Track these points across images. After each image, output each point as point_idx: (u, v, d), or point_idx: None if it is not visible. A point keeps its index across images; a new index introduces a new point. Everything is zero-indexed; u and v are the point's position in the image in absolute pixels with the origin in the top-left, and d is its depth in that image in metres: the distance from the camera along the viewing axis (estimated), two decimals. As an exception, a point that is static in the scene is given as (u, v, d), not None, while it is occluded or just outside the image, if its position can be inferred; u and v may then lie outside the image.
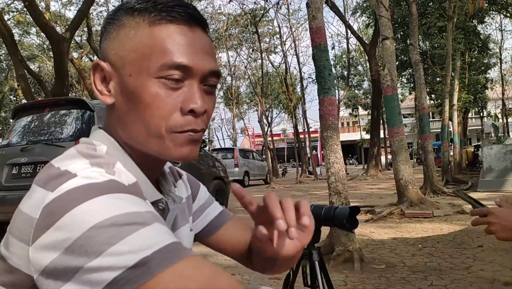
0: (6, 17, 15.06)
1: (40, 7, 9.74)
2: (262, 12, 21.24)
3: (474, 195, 8.72)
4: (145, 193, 0.67)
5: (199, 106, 0.66)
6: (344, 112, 39.23)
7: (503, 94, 28.22)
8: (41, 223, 0.54)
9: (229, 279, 0.57)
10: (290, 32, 24.77)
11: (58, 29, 13.85)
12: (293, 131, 27.42)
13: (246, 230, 0.96)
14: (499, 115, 29.91)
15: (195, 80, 0.67)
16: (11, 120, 5.93)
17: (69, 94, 9.18)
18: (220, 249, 0.95)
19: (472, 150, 19.69)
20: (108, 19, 0.71)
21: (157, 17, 0.66)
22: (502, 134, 14.85)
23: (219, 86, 32.84)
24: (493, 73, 30.47)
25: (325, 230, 4.10)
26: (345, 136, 49.29)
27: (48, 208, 0.55)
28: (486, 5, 17.26)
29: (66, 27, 10.97)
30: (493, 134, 13.66)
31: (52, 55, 9.60)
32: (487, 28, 23.60)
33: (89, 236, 0.52)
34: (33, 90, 11.88)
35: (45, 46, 21.73)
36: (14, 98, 27.54)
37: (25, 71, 9.26)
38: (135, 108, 0.66)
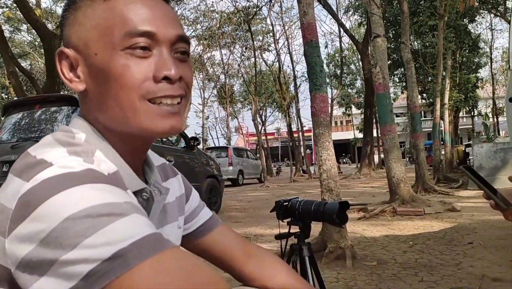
0: (-4, 14, 14.94)
1: (30, 4, 9.66)
2: (255, 10, 21.23)
3: (464, 193, 8.81)
4: (127, 183, 0.65)
5: (174, 72, 0.64)
6: (337, 111, 39.32)
7: (493, 93, 28.46)
8: (16, 214, 0.52)
9: (211, 272, 0.56)
10: (283, 30, 24.82)
11: (49, 26, 13.75)
12: (287, 130, 27.47)
13: (233, 238, 0.95)
14: (490, 115, 30.18)
15: (164, 47, 0.65)
16: (1, 118, 5.87)
17: (61, 92, 9.11)
18: (204, 253, 0.94)
19: (463, 148, 19.83)
20: (64, 7, 0.69)
21: None
22: (493, 133, 15.00)
23: (212, 84, 32.88)
24: (484, 72, 30.72)
25: (318, 228, 4.11)
26: (339, 135, 49.45)
27: (24, 198, 0.53)
28: (477, 4, 17.39)
29: (57, 23, 10.88)
30: (483, 133, 13.78)
31: (43, 52, 9.52)
32: (478, 27, 23.79)
33: (64, 227, 0.50)
34: (24, 87, 11.79)
35: (36, 43, 21.58)
36: (6, 96, 27.31)
37: (16, 68, 9.19)
38: (107, 86, 0.63)
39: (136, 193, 0.68)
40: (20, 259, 0.52)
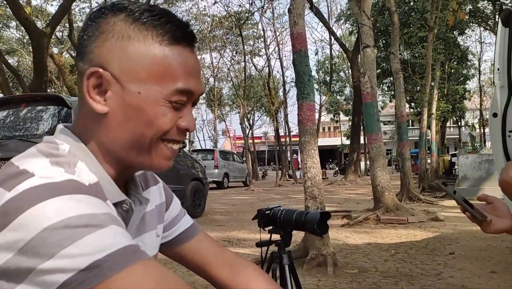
0: (-15, 9, 14.77)
1: (20, 1, 9.57)
2: (247, 15, 21.28)
3: (448, 202, 8.90)
4: (107, 193, 0.66)
5: (193, 127, 0.71)
6: (325, 117, 39.53)
7: (481, 104, 28.86)
8: None
9: (179, 283, 0.58)
10: (274, 36, 24.91)
11: (39, 24, 13.62)
12: (274, 134, 27.52)
13: (211, 246, 0.96)
14: (477, 126, 30.59)
15: (190, 102, 0.70)
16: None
17: (48, 90, 9.03)
18: (183, 260, 0.95)
19: (449, 158, 20.05)
20: (107, 25, 0.67)
21: (166, 36, 0.66)
22: (479, 144, 15.19)
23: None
24: (472, 84, 31.16)
25: (301, 234, 4.13)
26: (326, 141, 49.65)
27: (3, 208, 0.54)
28: (467, 17, 17.67)
29: (47, 22, 10.79)
30: (469, 144, 13.97)
31: (31, 50, 9.43)
32: (467, 39, 24.16)
33: (42, 237, 0.51)
34: (11, 84, 11.65)
35: (25, 40, 21.33)
36: (-9, 92, 26.94)
37: (3, 65, 9.08)
38: (133, 123, 0.66)
39: (116, 204, 0.69)
40: None
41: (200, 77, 0.71)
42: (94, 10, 0.71)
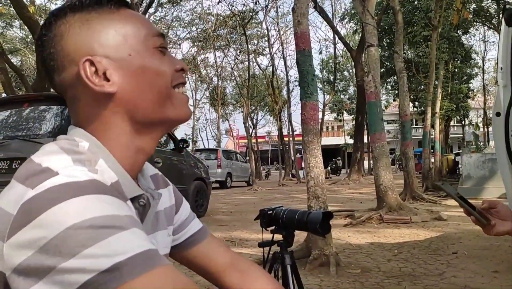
0: (-11, 8, 14.82)
1: (24, 0, 9.59)
2: (251, 14, 21.27)
3: (452, 202, 8.87)
4: (126, 190, 0.67)
5: (185, 64, 0.77)
6: (329, 116, 39.46)
7: (484, 104, 28.77)
8: (18, 219, 0.53)
9: None
10: (278, 35, 24.88)
11: (42, 23, 13.64)
12: (277, 134, 27.51)
13: (219, 250, 0.96)
14: (480, 125, 30.46)
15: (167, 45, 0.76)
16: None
17: (51, 90, 9.05)
18: (190, 264, 0.95)
19: (453, 157, 20.01)
20: (54, 30, 0.70)
21: (116, 5, 0.72)
22: (482, 143, 15.12)
23: (205, 86, 32.82)
24: (476, 83, 31.03)
25: (303, 234, 4.13)
26: (330, 140, 49.59)
27: (27, 205, 0.54)
28: (471, 16, 17.60)
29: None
30: (473, 143, 13.91)
31: (35, 49, 9.45)
32: (471, 38, 24.08)
33: (65, 236, 0.51)
34: (14, 84, 11.69)
35: (28, 39, 21.41)
36: (-5, 91, 27.06)
37: (6, 64, 9.11)
38: (145, 80, 0.70)
39: (134, 200, 0.70)
40: (17, 264, 0.52)
41: None
42: (37, 34, 0.73)
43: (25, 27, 12.72)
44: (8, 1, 10.55)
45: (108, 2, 0.71)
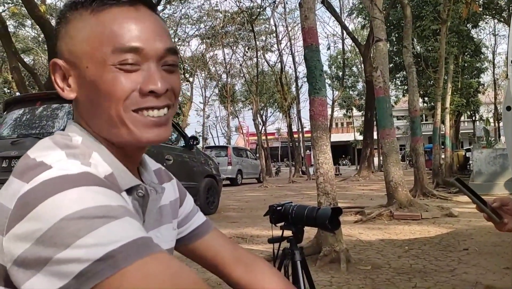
0: (0, 8, 14.97)
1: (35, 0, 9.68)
2: (258, 10, 21.24)
3: (463, 198, 8.81)
4: (121, 182, 0.68)
5: (159, 87, 0.66)
6: (338, 113, 39.31)
7: (495, 98, 28.43)
8: (15, 213, 0.55)
9: (194, 277, 0.58)
10: (286, 31, 24.82)
11: (53, 22, 13.76)
12: (287, 130, 27.48)
13: (224, 243, 0.97)
14: (491, 120, 30.15)
15: (152, 61, 0.67)
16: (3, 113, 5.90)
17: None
18: (195, 257, 0.96)
19: (463, 153, 19.81)
20: (56, 20, 0.72)
21: (99, 4, 0.67)
22: (494, 139, 14.98)
23: (214, 83, 32.85)
24: (486, 77, 30.69)
25: (314, 230, 4.13)
26: (339, 137, 49.41)
27: (23, 198, 0.55)
28: (480, 9, 17.40)
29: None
30: (484, 139, 13.78)
31: (47, 48, 9.54)
32: (481, 32, 23.79)
33: (59, 227, 0.52)
34: (27, 83, 11.81)
35: (40, 38, 21.60)
36: (8, 91, 27.34)
37: (19, 63, 9.21)
38: (96, 98, 0.66)
39: (131, 190, 0.71)
40: (16, 256, 0.54)
41: (155, 33, 0.68)
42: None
43: (37, 26, 12.83)
44: (20, 1, 10.64)
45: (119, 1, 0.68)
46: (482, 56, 24.47)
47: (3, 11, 16.63)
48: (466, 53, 20.89)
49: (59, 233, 0.52)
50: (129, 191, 0.70)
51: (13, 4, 17.64)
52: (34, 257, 0.53)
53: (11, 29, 14.56)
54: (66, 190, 0.55)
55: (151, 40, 0.67)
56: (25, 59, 15.00)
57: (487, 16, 20.66)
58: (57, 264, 0.52)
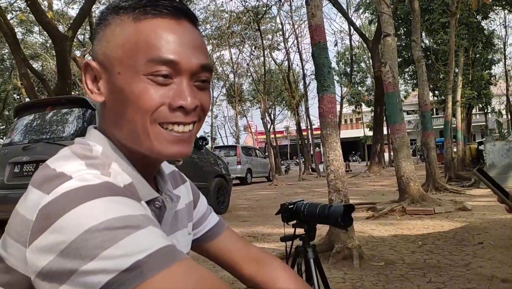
0: (9, 16, 15.11)
1: (42, 6, 9.76)
2: (264, 9, 21.21)
3: (476, 192, 8.72)
4: (140, 193, 0.68)
5: (189, 103, 0.66)
6: (347, 109, 39.14)
7: (507, 90, 28.03)
8: (37, 225, 0.55)
9: (219, 284, 0.58)
10: (293, 29, 24.75)
11: (60, 27, 13.90)
12: (296, 128, 27.41)
13: (237, 242, 0.98)
14: (503, 112, 29.76)
15: (185, 76, 0.66)
16: (14, 119, 5.96)
17: (72, 93, 9.22)
18: (210, 257, 0.97)
19: (476, 146, 19.59)
20: (96, 21, 0.72)
21: (141, 13, 0.66)
22: (506, 131, 14.75)
23: (221, 83, 32.91)
24: (497, 69, 30.30)
25: (325, 227, 4.12)
26: (348, 133, 49.23)
27: (44, 210, 0.55)
28: (490, 0, 17.18)
29: (69, 25, 10.99)
30: (496, 131, 13.61)
31: (55, 54, 9.62)
32: (491, 23, 23.49)
33: (83, 239, 0.52)
34: (36, 88, 11.93)
35: (48, 44, 21.79)
36: (18, 97, 27.66)
37: (28, 70, 9.29)
38: (123, 106, 0.66)
39: (149, 202, 0.71)
40: (40, 268, 0.54)
41: (193, 48, 0.68)
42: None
43: (45, 32, 12.95)
44: (28, 8, 10.75)
45: (170, 11, 0.67)
46: (494, 48, 24.16)
47: (11, 18, 16.80)
48: (476, 45, 20.64)
49: (84, 244, 0.52)
50: (148, 202, 0.70)
51: (20, 12, 17.82)
52: (59, 269, 0.53)
53: (19, 36, 14.73)
54: (88, 201, 0.55)
55: (188, 55, 0.66)
56: (33, 65, 15.16)
57: (497, 7, 20.37)
58: (83, 276, 0.52)
